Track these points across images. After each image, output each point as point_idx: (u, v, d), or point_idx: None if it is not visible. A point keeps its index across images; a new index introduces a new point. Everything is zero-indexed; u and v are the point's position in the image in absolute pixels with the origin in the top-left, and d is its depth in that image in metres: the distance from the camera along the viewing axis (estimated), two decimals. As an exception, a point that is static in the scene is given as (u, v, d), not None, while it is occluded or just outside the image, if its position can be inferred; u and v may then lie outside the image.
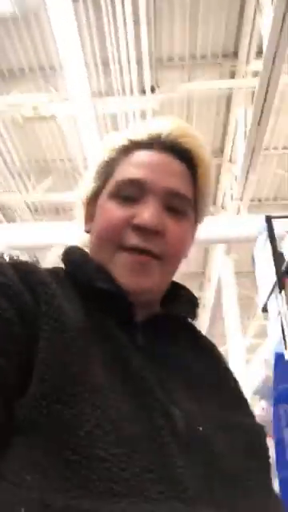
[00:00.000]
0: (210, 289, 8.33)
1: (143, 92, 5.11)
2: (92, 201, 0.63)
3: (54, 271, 0.57)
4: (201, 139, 0.62)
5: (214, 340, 0.71)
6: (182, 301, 0.63)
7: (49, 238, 4.51)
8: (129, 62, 4.80)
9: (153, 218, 0.54)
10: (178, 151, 0.60)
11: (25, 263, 0.53)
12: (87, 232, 0.64)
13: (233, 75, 5.36)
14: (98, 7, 4.54)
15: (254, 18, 4.55)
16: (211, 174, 0.64)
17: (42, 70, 5.67)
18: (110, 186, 0.59)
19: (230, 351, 5.96)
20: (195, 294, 0.65)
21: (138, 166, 0.58)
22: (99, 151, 0.64)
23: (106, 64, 5.08)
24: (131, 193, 0.57)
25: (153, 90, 5.12)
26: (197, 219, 0.65)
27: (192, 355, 0.59)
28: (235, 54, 5.24)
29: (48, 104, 5.35)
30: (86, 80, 4.51)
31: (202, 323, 9.82)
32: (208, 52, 5.31)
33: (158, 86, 5.17)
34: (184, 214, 0.59)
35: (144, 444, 0.42)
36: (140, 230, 0.55)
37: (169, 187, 0.57)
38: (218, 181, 7.07)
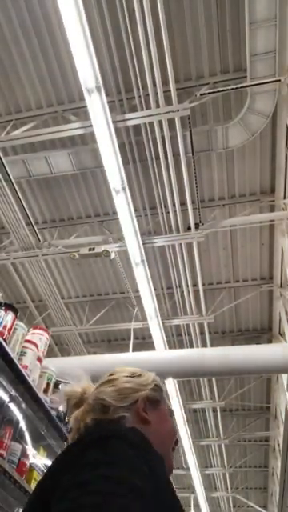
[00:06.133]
0: (279, 428, 7.53)
1: (189, 229, 5.50)
2: (150, 399, 1.09)
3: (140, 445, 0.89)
4: None
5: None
6: None
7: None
8: (174, 205, 5.29)
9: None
10: None
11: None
12: (145, 420, 1.04)
13: (272, 209, 5.71)
14: (145, 165, 5.26)
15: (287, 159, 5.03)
16: None
17: (97, 215, 6.37)
18: (166, 408, 1.14)
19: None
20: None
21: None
22: (154, 382, 1.14)
23: (153, 208, 5.65)
24: None
25: (197, 226, 5.49)
26: None
27: None
28: (272, 191, 5.67)
29: (103, 244, 5.85)
30: (135, 222, 4.99)
31: (275, 469, 8.73)
32: (246, 191, 5.79)
33: (202, 223, 5.55)
34: None
35: None
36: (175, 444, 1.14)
37: None
38: (271, 307, 7.03)
